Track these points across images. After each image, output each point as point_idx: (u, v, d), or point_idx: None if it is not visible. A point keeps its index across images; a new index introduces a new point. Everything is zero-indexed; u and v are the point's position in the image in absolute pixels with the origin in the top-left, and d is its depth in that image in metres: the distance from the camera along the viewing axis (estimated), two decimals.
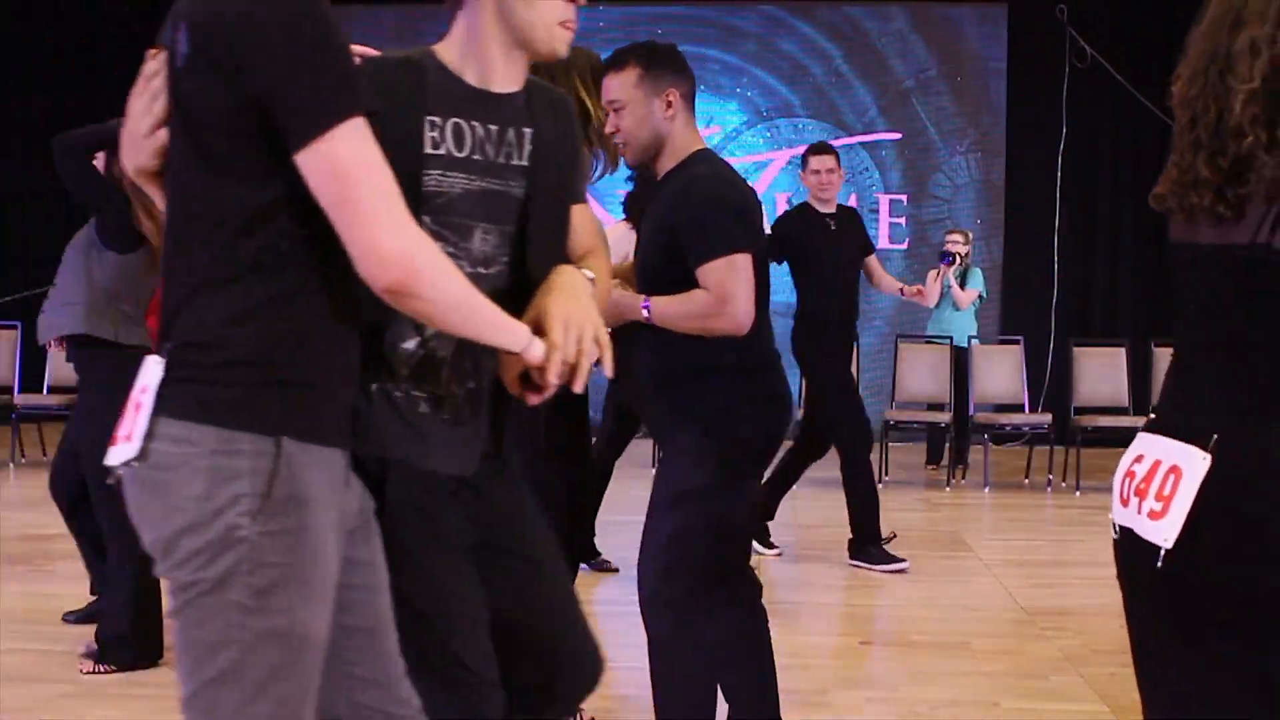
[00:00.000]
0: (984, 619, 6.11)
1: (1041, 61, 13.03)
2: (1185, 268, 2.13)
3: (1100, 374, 10.55)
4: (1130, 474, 2.17)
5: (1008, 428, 10.53)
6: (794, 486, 9.95)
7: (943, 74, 13.50)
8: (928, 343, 10.89)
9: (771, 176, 13.64)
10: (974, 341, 10.81)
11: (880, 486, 9.70)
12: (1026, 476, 10.48)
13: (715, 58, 13.68)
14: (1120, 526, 2.17)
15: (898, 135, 13.57)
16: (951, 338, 10.71)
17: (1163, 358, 10.56)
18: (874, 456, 10.20)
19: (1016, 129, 13.00)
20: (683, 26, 13.73)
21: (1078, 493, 9.91)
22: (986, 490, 10.03)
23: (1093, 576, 7.18)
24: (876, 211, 13.54)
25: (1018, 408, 10.69)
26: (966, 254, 10.91)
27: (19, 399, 10.79)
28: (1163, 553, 1.99)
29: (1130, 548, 2.13)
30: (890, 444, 10.45)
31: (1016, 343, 10.95)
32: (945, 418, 10.52)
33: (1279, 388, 1.91)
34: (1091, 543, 8.25)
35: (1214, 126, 2.09)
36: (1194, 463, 1.97)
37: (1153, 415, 2.21)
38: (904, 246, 13.47)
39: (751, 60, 13.67)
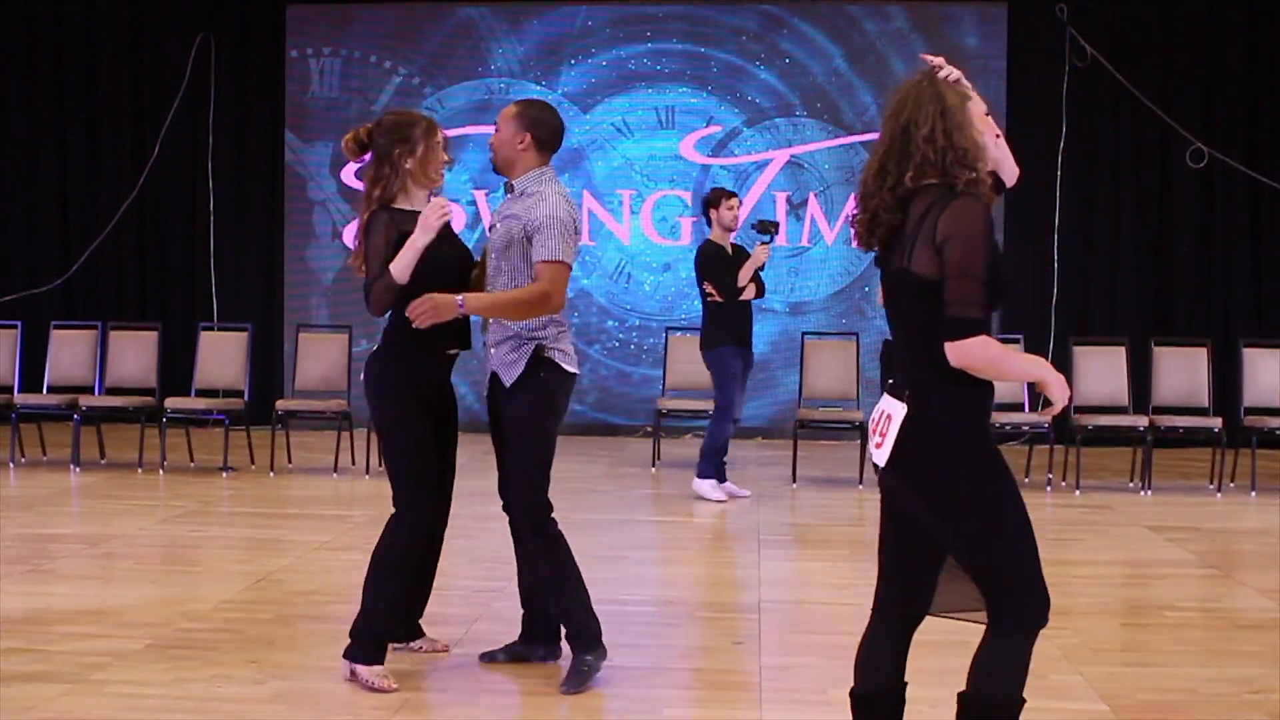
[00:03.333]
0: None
1: (1041, 61, 13.02)
2: (887, 285, 3.48)
3: (1100, 373, 10.55)
4: (873, 423, 3.48)
5: (1008, 427, 10.52)
6: (794, 485, 9.95)
7: None
8: None
9: (771, 176, 13.63)
10: None
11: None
12: (1026, 476, 10.47)
13: (715, 57, 13.67)
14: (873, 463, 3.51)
15: None
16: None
17: (1163, 357, 10.57)
18: None
19: (1016, 128, 12.98)
20: (682, 25, 13.72)
21: (1077, 492, 9.91)
22: None
23: (1093, 575, 7.17)
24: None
25: (1018, 407, 10.68)
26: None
27: (19, 399, 10.79)
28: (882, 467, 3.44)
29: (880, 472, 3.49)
30: None
31: (1016, 342, 10.95)
32: None
33: (942, 363, 3.29)
34: (1092, 542, 8.25)
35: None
36: (898, 409, 3.39)
37: (889, 383, 3.49)
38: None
39: (751, 59, 13.66)
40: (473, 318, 5.06)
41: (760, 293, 9.57)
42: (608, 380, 13.65)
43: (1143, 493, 9.88)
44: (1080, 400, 10.49)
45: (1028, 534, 3.41)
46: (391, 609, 5.01)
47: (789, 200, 13.64)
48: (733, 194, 9.62)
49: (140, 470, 10.29)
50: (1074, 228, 13.00)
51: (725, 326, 9.39)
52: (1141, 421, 10.23)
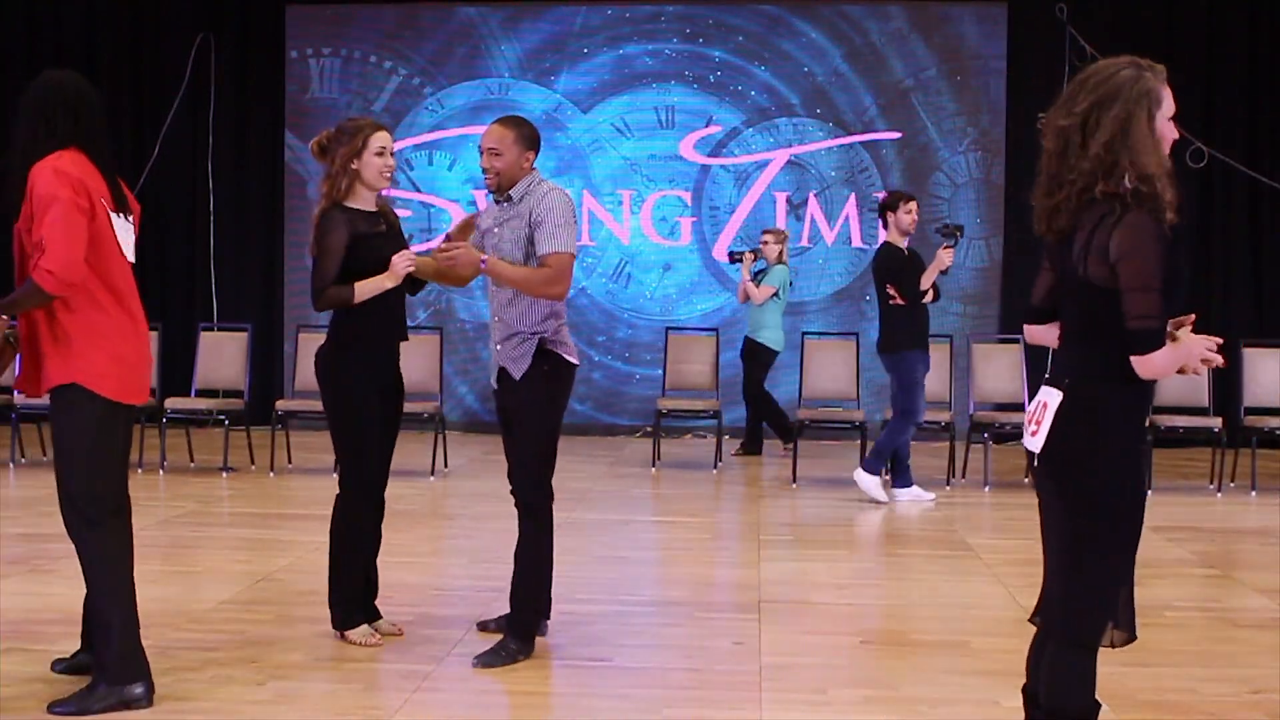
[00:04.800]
0: (984, 618, 6.11)
1: (1041, 60, 13.03)
2: (1060, 280, 3.56)
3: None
4: (1030, 413, 3.53)
5: (1007, 427, 10.52)
6: (795, 485, 9.96)
7: (942, 73, 13.50)
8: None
9: (771, 176, 13.64)
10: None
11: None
12: (1026, 476, 10.46)
13: (715, 57, 13.68)
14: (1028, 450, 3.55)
15: (898, 134, 13.57)
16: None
17: None
18: None
19: (1016, 128, 13.00)
20: (682, 25, 13.72)
21: None
22: (987, 489, 10.03)
23: None
24: (876, 210, 13.52)
25: (1018, 407, 10.68)
26: (767, 253, 11.56)
27: (19, 399, 10.77)
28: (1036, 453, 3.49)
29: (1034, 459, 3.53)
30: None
31: (1016, 342, 10.95)
32: (945, 416, 10.51)
33: (1106, 360, 3.37)
34: None
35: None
36: (1055, 398, 3.45)
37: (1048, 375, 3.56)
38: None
39: (751, 59, 13.66)
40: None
41: (937, 296, 9.56)
42: (607, 380, 13.65)
43: (1147, 493, 9.86)
44: None
45: (1130, 548, 3.44)
46: (356, 577, 5.47)
47: (789, 200, 13.64)
48: (911, 197, 9.58)
49: (140, 470, 10.29)
50: None
51: (908, 330, 9.35)
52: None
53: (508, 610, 5.46)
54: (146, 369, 4.66)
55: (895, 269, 9.35)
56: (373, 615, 5.58)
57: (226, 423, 10.66)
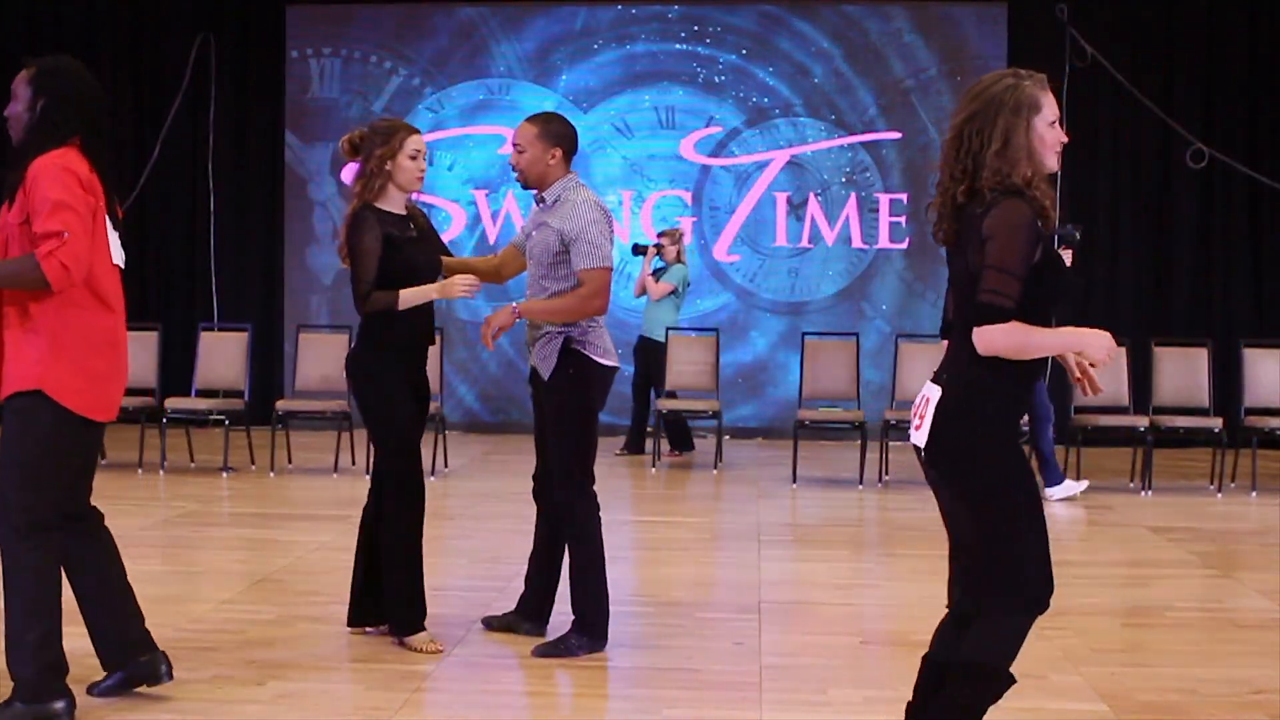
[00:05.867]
0: None
1: (1041, 61, 12.92)
2: (952, 284, 3.73)
3: (1100, 373, 10.48)
4: (915, 407, 3.66)
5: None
6: (794, 486, 9.96)
7: (943, 73, 13.50)
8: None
9: (771, 176, 13.63)
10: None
11: (880, 485, 9.73)
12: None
13: (715, 57, 13.67)
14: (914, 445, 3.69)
15: (898, 135, 13.56)
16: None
17: (1163, 357, 10.56)
18: (874, 455, 10.25)
19: None
20: (683, 25, 13.72)
21: (1078, 492, 9.90)
22: None
23: (1093, 575, 7.17)
24: (877, 211, 13.54)
25: None
26: (665, 254, 11.50)
27: None
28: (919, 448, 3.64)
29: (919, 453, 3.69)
30: (890, 443, 10.43)
31: None
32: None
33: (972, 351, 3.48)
34: (1091, 541, 8.25)
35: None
36: (935, 393, 3.58)
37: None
38: (904, 246, 13.48)
39: (751, 59, 13.66)
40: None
41: None
42: None
43: (1143, 493, 9.88)
44: (1080, 400, 10.49)
45: (1039, 520, 3.61)
46: (415, 579, 5.38)
47: (789, 201, 13.64)
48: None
49: (140, 470, 10.29)
50: None
51: None
52: (1142, 422, 10.22)
53: (512, 608, 5.58)
54: (120, 385, 4.50)
55: None
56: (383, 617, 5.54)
57: (227, 423, 10.66)
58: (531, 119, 5.42)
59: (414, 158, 5.33)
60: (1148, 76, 13.01)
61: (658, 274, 11.54)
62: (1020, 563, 3.59)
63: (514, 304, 5.26)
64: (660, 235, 11.80)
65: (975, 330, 3.42)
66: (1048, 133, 3.61)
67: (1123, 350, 10.61)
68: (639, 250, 11.87)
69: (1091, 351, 3.55)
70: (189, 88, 13.69)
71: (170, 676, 4.63)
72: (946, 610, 3.85)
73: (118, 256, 4.52)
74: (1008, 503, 3.57)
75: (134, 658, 4.63)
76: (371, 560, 5.47)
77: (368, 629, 5.55)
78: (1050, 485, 9.51)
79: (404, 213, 5.40)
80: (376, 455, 5.53)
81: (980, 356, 3.49)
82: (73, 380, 4.30)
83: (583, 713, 4.77)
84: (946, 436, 3.57)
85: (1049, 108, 3.62)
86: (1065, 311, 3.57)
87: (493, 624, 5.65)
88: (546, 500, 5.49)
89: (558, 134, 5.38)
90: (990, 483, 3.56)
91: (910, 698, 3.83)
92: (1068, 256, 9.33)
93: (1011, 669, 3.64)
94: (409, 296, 5.21)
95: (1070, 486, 9.60)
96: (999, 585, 3.60)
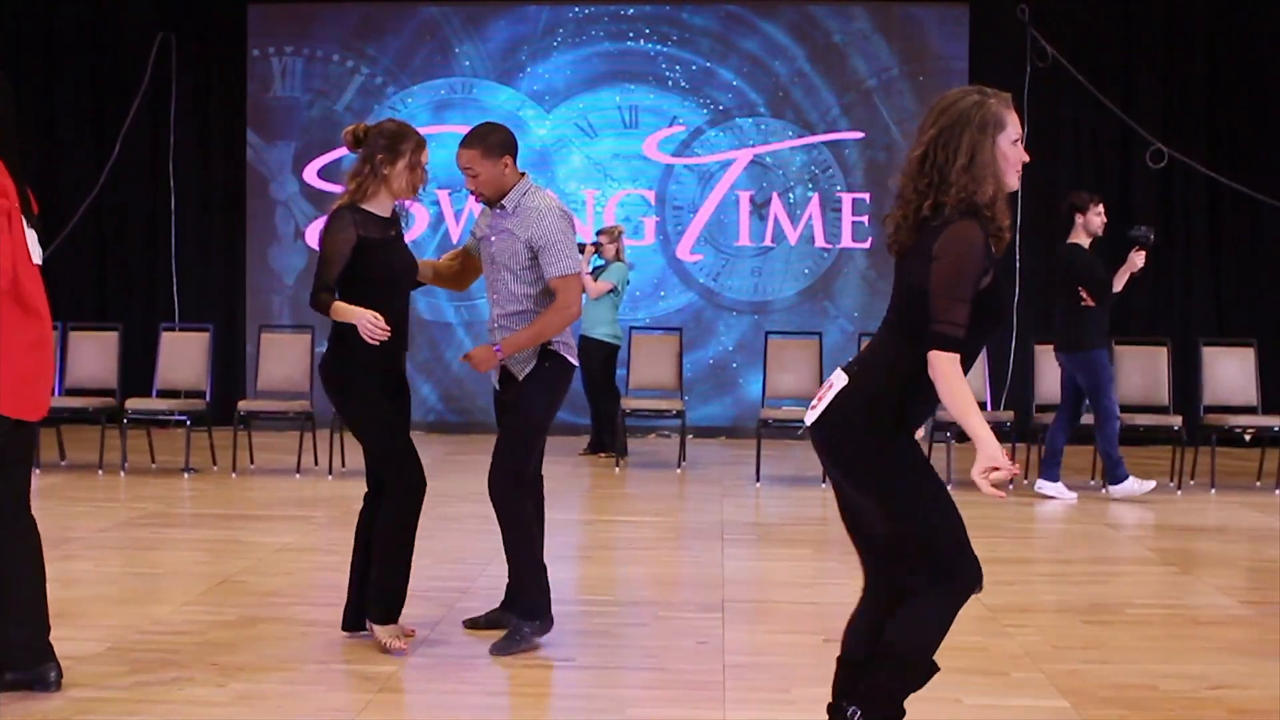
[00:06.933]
0: None
1: (1003, 61, 13.10)
2: (896, 287, 3.80)
3: (1060, 373, 10.58)
4: (819, 392, 3.75)
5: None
6: (758, 484, 9.98)
7: (905, 73, 13.56)
8: None
9: (734, 176, 13.66)
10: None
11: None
12: (1004, 494, 10.48)
13: (678, 57, 13.69)
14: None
15: (860, 134, 13.61)
16: None
17: (1123, 356, 10.63)
18: None
19: None
20: (646, 25, 13.73)
21: (1040, 490, 9.96)
22: (949, 487, 10.04)
23: (1055, 573, 7.21)
24: (839, 210, 13.58)
25: (980, 405, 10.72)
26: (604, 252, 11.46)
27: None
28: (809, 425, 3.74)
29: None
30: None
31: None
32: None
33: (900, 358, 3.61)
34: (1054, 540, 8.29)
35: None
36: (840, 380, 3.69)
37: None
38: (867, 245, 13.52)
39: (714, 60, 13.68)
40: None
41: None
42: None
43: (1104, 490, 9.94)
44: (1041, 399, 10.57)
45: (946, 504, 3.70)
46: (406, 571, 5.40)
47: (752, 200, 13.67)
48: (1101, 198, 9.71)
49: (101, 472, 10.23)
50: (1035, 228, 13.06)
51: (1097, 330, 9.49)
52: None
53: (480, 611, 5.61)
54: (47, 384, 4.48)
55: (1085, 270, 9.46)
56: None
57: (188, 423, 10.60)
58: (467, 142, 5.35)
59: (414, 168, 5.30)
60: (1108, 77, 13.10)
61: (596, 272, 11.47)
62: (936, 546, 3.66)
63: (496, 346, 5.32)
64: (599, 234, 11.70)
65: (933, 355, 3.50)
66: (1011, 151, 3.66)
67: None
68: (579, 249, 11.81)
69: (978, 462, 3.51)
70: (149, 87, 13.61)
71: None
72: (856, 609, 3.92)
73: (36, 255, 4.49)
74: (906, 487, 3.66)
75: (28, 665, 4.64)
76: (368, 566, 5.42)
77: (363, 633, 5.48)
78: (1113, 484, 9.62)
79: (389, 215, 5.36)
80: (367, 459, 5.48)
81: (895, 363, 3.64)
82: (2, 383, 4.28)
83: (545, 712, 4.76)
84: (835, 425, 3.66)
85: (1013, 126, 3.66)
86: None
87: (478, 623, 5.64)
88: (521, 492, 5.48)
89: (500, 144, 5.35)
90: (884, 471, 3.65)
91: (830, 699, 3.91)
92: (1140, 257, 9.40)
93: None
94: (341, 310, 5.10)
95: (1061, 490, 9.65)
96: (919, 570, 3.66)
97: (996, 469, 3.49)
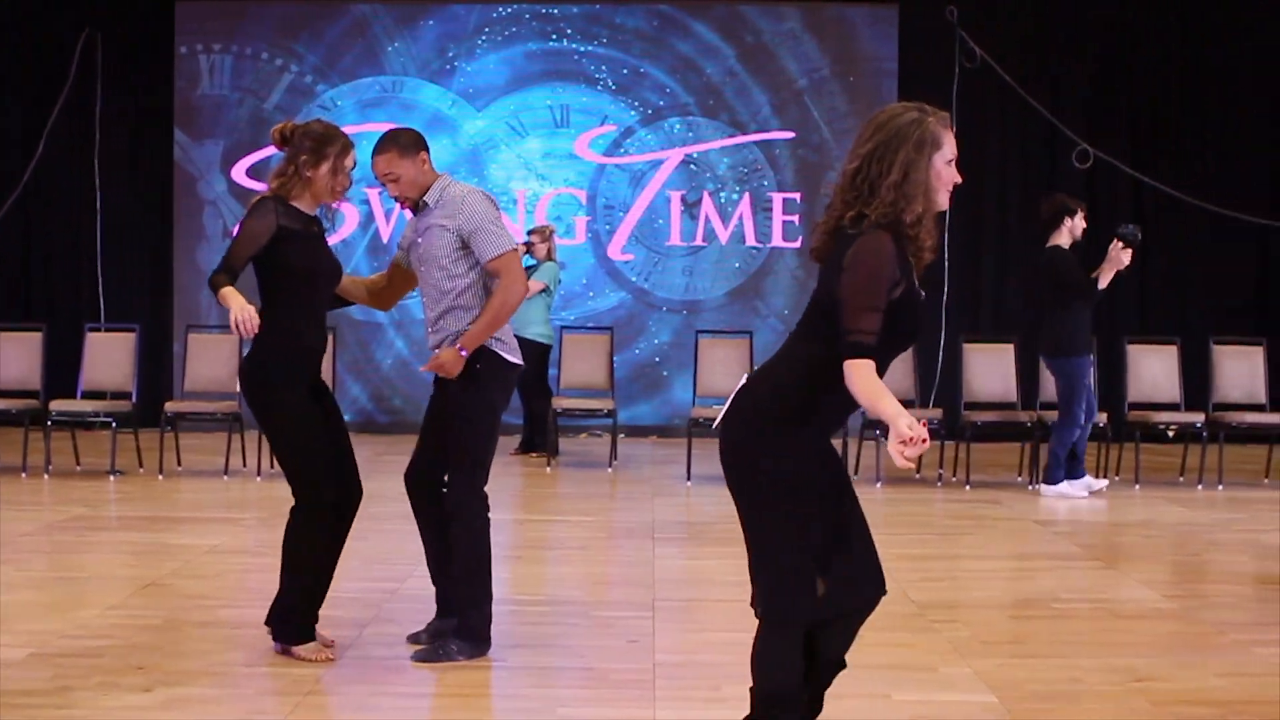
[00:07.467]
0: (875, 612, 6.15)
1: (932, 62, 13.19)
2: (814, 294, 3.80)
3: (989, 370, 10.71)
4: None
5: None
6: (689, 484, 10.00)
7: (835, 73, 13.62)
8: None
9: (665, 175, 13.68)
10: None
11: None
12: (918, 471, 10.59)
13: (608, 56, 13.69)
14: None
15: (791, 134, 13.67)
16: None
17: None
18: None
19: None
20: (575, 25, 13.72)
21: (967, 487, 10.05)
22: (879, 485, 10.13)
23: (982, 570, 7.28)
24: (770, 210, 13.63)
25: (908, 404, 10.80)
26: (535, 252, 11.41)
27: None
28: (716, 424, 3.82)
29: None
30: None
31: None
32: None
33: (800, 364, 3.69)
34: (981, 536, 8.37)
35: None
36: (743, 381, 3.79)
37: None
38: (797, 245, 13.58)
39: (645, 59, 13.69)
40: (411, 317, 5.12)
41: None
42: None
43: (1031, 487, 10.04)
44: (970, 397, 10.66)
45: (807, 530, 3.66)
46: (309, 592, 5.24)
47: (683, 199, 13.69)
48: (1085, 205, 9.88)
49: (24, 474, 10.09)
50: (964, 227, 13.17)
51: (1080, 334, 9.55)
52: (1029, 417, 10.40)
53: (432, 618, 5.45)
54: None
55: (1068, 272, 9.51)
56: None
57: (114, 425, 10.46)
58: (381, 147, 5.25)
59: (337, 173, 5.21)
60: (1035, 78, 13.24)
61: (528, 272, 11.41)
62: (779, 577, 3.68)
63: (459, 345, 5.16)
64: (530, 233, 11.63)
65: (849, 364, 3.50)
66: (945, 171, 3.64)
67: (1011, 348, 10.80)
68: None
69: (892, 433, 3.49)
70: (75, 83, 13.43)
71: None
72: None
73: None
74: (774, 513, 3.67)
75: None
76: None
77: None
78: (1048, 483, 9.68)
79: (312, 213, 5.30)
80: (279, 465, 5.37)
81: (800, 368, 3.67)
82: None
83: (476, 713, 4.75)
84: (733, 426, 3.75)
85: (949, 146, 3.65)
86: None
87: (420, 639, 5.45)
88: (417, 488, 5.44)
89: (414, 142, 5.28)
90: (765, 487, 3.67)
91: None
92: (1126, 255, 9.45)
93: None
94: (227, 295, 4.92)
95: (1065, 489, 9.67)
96: (760, 598, 3.72)
97: (911, 441, 3.45)
